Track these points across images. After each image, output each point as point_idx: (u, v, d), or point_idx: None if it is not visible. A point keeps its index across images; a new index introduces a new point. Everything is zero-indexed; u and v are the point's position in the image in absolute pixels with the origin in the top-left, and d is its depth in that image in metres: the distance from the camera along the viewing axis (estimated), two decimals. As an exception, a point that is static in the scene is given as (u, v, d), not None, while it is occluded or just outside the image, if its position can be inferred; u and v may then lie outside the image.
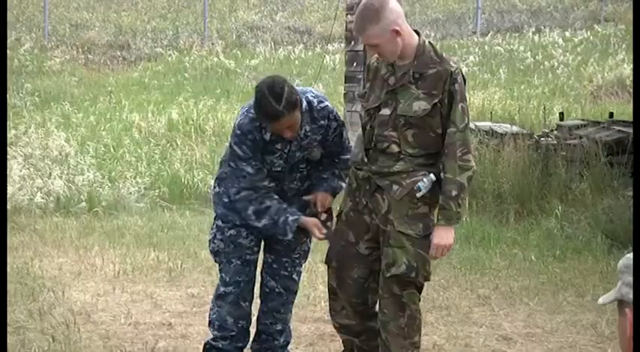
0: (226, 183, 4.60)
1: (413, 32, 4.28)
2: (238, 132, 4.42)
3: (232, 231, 4.60)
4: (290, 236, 4.48)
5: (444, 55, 4.33)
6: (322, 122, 4.49)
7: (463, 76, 4.31)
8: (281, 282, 4.75)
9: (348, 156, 4.60)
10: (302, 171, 4.61)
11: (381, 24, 4.15)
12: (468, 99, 4.34)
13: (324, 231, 4.53)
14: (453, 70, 4.24)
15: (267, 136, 4.41)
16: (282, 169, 4.52)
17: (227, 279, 4.65)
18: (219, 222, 4.65)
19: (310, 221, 4.51)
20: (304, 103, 4.41)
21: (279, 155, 4.48)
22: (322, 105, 4.49)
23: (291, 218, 4.45)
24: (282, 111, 4.23)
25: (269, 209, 4.45)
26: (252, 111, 4.40)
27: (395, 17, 4.18)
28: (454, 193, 4.21)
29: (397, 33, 4.17)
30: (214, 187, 4.72)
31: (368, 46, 4.29)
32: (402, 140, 4.27)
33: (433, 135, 4.26)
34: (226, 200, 4.61)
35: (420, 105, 4.23)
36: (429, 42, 4.32)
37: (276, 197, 4.50)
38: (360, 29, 4.22)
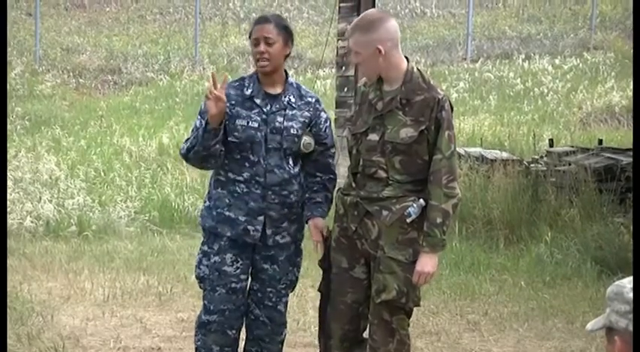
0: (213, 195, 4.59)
1: (403, 58, 4.30)
2: None
3: (217, 258, 4.54)
4: (208, 127, 4.36)
5: (432, 82, 4.33)
6: (309, 99, 4.59)
7: (450, 103, 4.32)
8: (265, 312, 4.66)
9: (335, 178, 4.63)
10: (287, 161, 4.50)
11: (368, 36, 4.18)
12: (455, 126, 4.35)
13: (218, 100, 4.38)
14: (440, 97, 4.25)
15: (248, 92, 4.51)
16: (259, 127, 4.46)
17: (211, 308, 4.57)
18: (205, 248, 4.59)
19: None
20: (293, 82, 4.59)
21: (257, 111, 4.50)
22: (310, 92, 4.65)
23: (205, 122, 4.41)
24: (271, 19, 4.55)
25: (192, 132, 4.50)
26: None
27: (386, 37, 4.20)
28: (439, 220, 4.20)
29: (380, 52, 4.19)
30: (204, 202, 4.68)
31: (352, 53, 4.33)
32: (390, 166, 4.27)
33: (420, 161, 4.27)
34: (214, 213, 4.57)
35: (407, 132, 4.24)
36: (418, 68, 4.33)
37: None
38: (350, 33, 4.30)
